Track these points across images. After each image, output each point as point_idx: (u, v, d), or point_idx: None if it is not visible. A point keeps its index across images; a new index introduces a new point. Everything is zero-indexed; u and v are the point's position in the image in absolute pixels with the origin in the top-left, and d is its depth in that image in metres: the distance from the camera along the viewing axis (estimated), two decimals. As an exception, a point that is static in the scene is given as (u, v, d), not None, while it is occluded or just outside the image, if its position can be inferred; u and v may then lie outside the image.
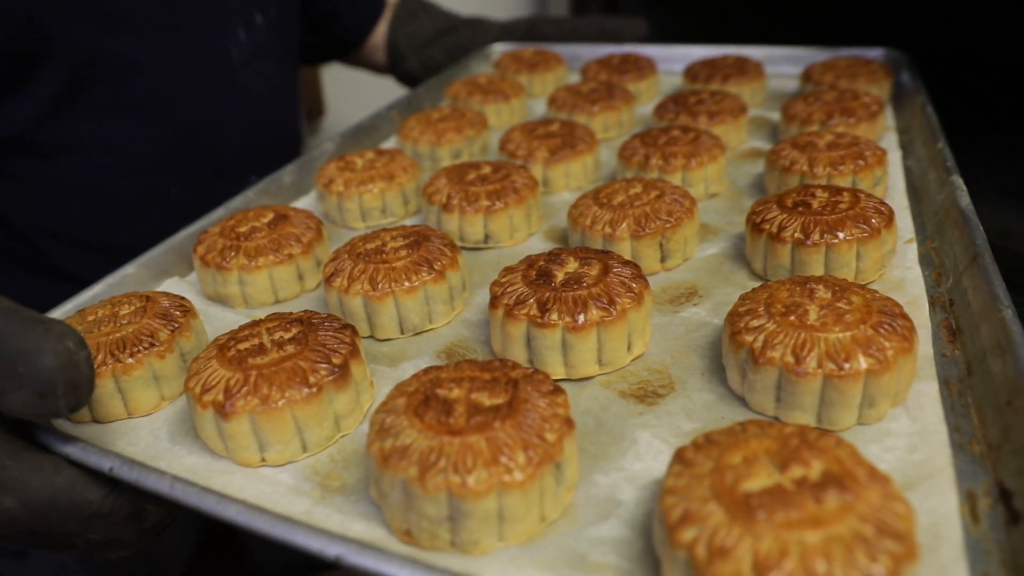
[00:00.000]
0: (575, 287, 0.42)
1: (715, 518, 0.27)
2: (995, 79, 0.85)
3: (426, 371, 0.36)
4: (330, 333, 0.40)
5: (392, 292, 0.45)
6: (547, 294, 0.41)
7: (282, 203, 0.65)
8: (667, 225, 0.50)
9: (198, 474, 0.37)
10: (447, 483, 0.30)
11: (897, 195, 0.56)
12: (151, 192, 0.73)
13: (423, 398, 0.33)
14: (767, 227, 0.48)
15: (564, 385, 0.41)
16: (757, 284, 0.47)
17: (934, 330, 0.43)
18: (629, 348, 0.42)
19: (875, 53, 0.83)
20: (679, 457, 0.31)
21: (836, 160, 0.55)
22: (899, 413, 0.36)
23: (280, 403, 0.36)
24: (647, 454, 0.36)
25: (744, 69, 0.80)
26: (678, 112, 0.70)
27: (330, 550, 0.30)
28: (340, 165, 0.64)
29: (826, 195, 0.49)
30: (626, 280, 0.42)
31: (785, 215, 0.48)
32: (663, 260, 0.51)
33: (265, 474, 0.36)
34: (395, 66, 1.00)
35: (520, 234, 0.57)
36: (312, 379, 0.37)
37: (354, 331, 0.41)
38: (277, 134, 0.84)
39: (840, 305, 0.38)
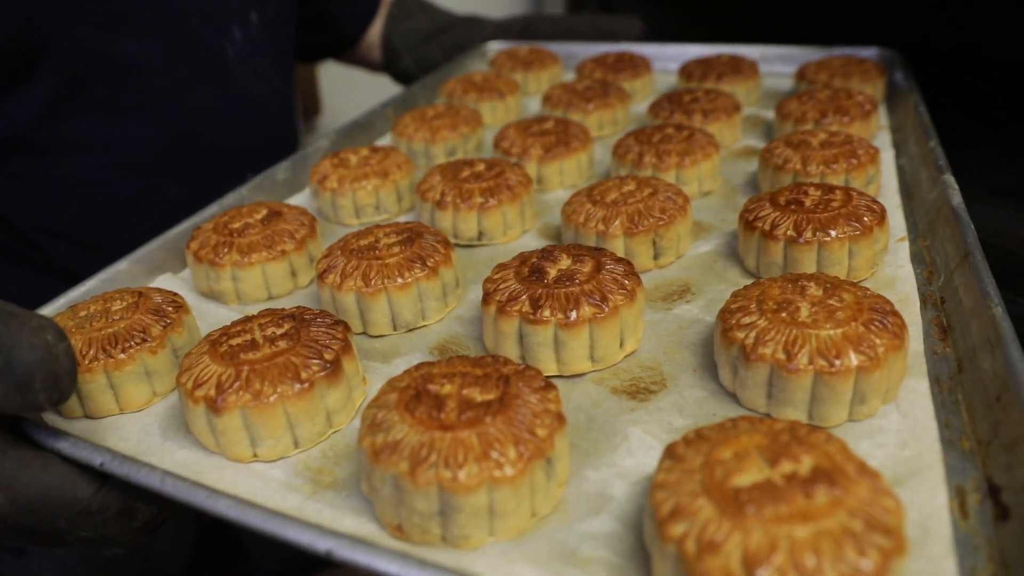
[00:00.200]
0: (568, 284, 0.42)
1: (705, 513, 0.27)
2: (990, 79, 0.85)
3: (418, 367, 0.36)
4: (322, 329, 0.40)
5: (385, 288, 0.45)
6: (539, 291, 0.41)
7: (276, 200, 0.65)
8: (660, 222, 0.50)
9: (189, 469, 0.37)
10: (438, 478, 0.30)
11: (890, 193, 0.56)
12: (150, 192, 0.73)
13: (415, 393, 0.33)
14: (760, 225, 0.48)
15: (556, 381, 0.41)
16: (750, 282, 0.47)
17: (925, 327, 0.43)
18: (621, 345, 0.42)
19: (869, 52, 0.83)
20: (670, 452, 0.31)
21: (829, 158, 0.55)
22: (890, 410, 0.36)
23: (272, 398, 0.36)
24: (638, 450, 0.36)
25: (739, 68, 0.80)
26: (672, 110, 0.70)
27: (320, 544, 0.30)
28: (334, 162, 0.64)
29: (819, 193, 0.49)
30: (619, 277, 0.42)
31: (778, 213, 0.48)
32: (656, 257, 0.51)
33: (257, 469, 0.36)
34: (391, 64, 1.00)
35: (514, 231, 0.57)
36: (304, 375, 0.37)
37: (346, 327, 0.41)
38: (276, 134, 0.84)
39: (831, 302, 0.38)
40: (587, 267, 0.43)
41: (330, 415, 0.38)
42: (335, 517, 0.33)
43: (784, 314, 0.38)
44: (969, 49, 0.87)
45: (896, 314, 0.37)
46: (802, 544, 0.25)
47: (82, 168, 0.69)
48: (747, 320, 0.38)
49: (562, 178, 0.65)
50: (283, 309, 0.42)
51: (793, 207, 0.48)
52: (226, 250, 0.50)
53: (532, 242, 0.57)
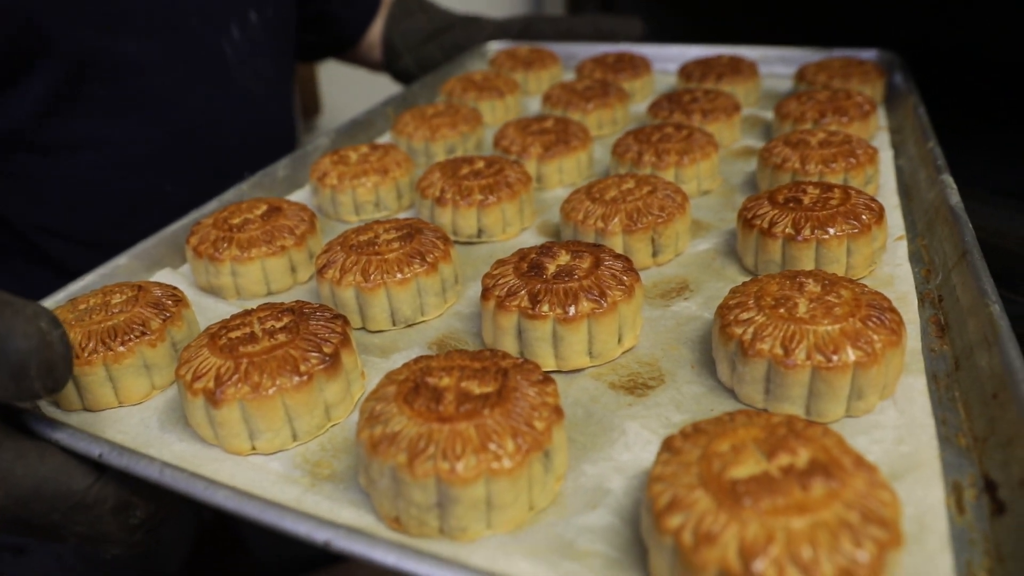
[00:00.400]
0: (566, 279, 0.42)
1: (702, 505, 0.27)
2: (990, 79, 0.85)
3: (416, 360, 0.36)
4: (321, 323, 0.40)
5: (384, 284, 0.45)
6: (538, 286, 0.42)
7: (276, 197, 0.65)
8: (659, 220, 0.50)
9: (188, 461, 0.37)
10: (436, 469, 0.30)
11: (888, 193, 0.56)
12: (150, 191, 0.73)
13: (413, 386, 0.34)
14: (758, 223, 0.48)
15: (554, 376, 0.41)
16: (748, 279, 0.47)
17: (923, 325, 0.43)
18: (619, 340, 0.42)
19: (868, 54, 0.83)
20: (667, 445, 0.31)
21: (828, 158, 0.55)
22: (887, 406, 0.37)
23: (271, 391, 0.36)
24: (636, 444, 0.36)
25: (738, 68, 0.80)
26: (672, 110, 0.70)
27: (318, 535, 0.30)
28: (334, 159, 0.64)
29: (817, 191, 0.49)
30: (617, 273, 0.42)
31: (776, 211, 0.48)
32: (655, 255, 0.51)
33: (255, 462, 0.37)
34: (391, 64, 1.00)
35: (513, 228, 0.57)
36: (303, 367, 0.37)
37: (345, 321, 0.41)
38: (275, 133, 0.84)
39: (829, 299, 0.38)
40: (586, 263, 0.43)
41: (329, 408, 0.38)
42: (333, 509, 0.33)
43: (782, 310, 0.38)
44: (969, 49, 0.87)
45: (894, 310, 0.37)
46: (798, 536, 0.25)
47: (82, 167, 0.69)
48: (745, 316, 0.38)
49: (561, 176, 0.65)
50: (282, 303, 0.42)
51: (792, 205, 0.48)
52: (226, 245, 0.51)
53: (531, 239, 0.57)
